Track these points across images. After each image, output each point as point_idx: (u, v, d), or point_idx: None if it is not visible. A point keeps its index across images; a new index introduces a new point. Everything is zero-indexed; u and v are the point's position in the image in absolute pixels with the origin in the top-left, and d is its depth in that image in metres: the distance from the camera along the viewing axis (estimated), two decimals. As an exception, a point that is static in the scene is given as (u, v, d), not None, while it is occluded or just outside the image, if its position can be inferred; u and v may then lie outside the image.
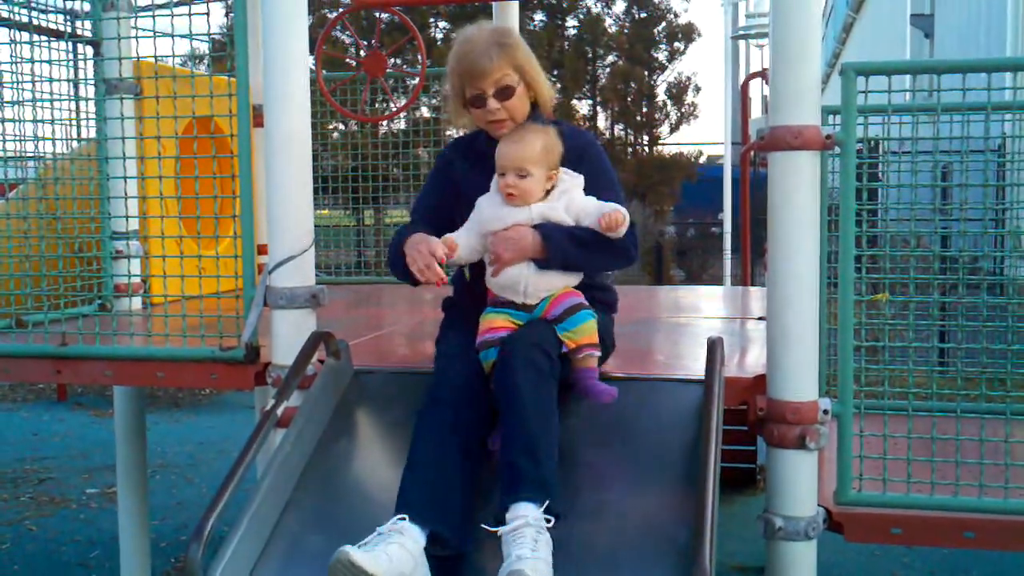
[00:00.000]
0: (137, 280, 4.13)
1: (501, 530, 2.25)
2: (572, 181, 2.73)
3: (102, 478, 6.97)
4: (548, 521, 2.26)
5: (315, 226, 3.19)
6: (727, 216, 13.36)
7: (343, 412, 2.96)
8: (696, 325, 4.21)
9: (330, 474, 2.78)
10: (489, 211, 2.72)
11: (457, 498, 2.41)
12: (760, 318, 4.17)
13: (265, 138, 3.06)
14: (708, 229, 18.52)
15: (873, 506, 2.65)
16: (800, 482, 2.63)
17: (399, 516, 2.31)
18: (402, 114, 7.10)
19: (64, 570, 5.31)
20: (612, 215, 2.61)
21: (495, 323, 2.67)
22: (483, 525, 2.31)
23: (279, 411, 2.70)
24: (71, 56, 4.16)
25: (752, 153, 6.98)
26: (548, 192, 2.71)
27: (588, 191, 2.73)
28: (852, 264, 2.67)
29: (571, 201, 2.68)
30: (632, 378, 2.87)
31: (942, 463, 2.64)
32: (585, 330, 2.63)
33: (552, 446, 2.42)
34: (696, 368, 3.02)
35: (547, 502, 2.29)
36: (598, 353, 2.66)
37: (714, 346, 2.60)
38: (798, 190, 2.65)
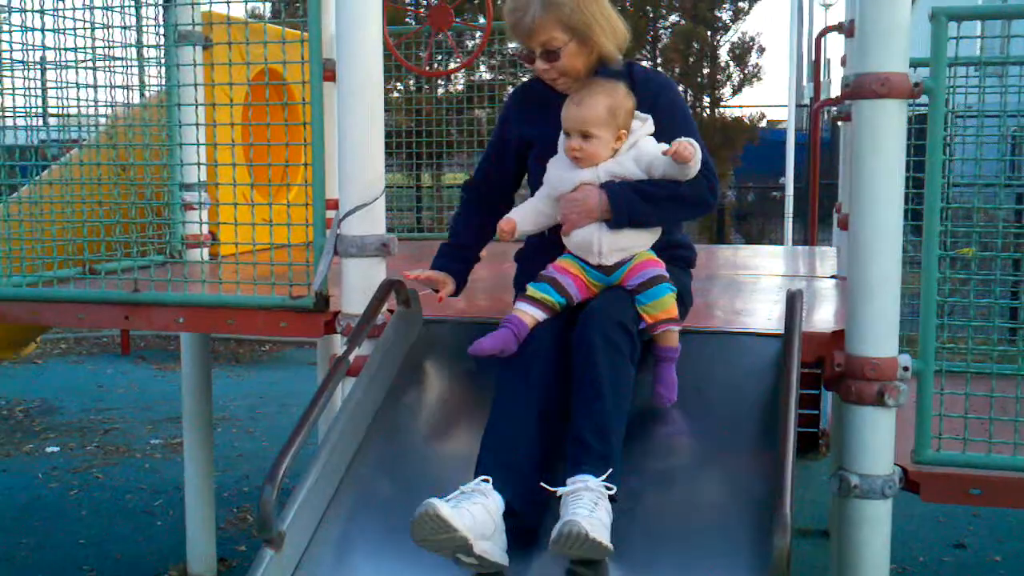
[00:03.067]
0: (206, 231, 4.17)
1: (560, 490, 2.22)
2: (642, 128, 2.61)
3: (165, 429, 7.09)
4: (609, 489, 2.21)
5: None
6: (789, 180, 13.14)
7: (412, 361, 2.95)
8: (765, 282, 4.14)
9: (399, 423, 2.78)
10: (556, 173, 2.65)
11: (534, 470, 2.35)
12: (833, 276, 4.10)
13: (337, 86, 3.03)
14: (768, 194, 18.23)
15: (952, 466, 2.59)
16: (877, 440, 2.58)
17: (482, 478, 2.26)
18: (461, 74, 7.06)
19: (130, 517, 5.41)
20: (678, 145, 2.48)
21: (567, 266, 2.60)
22: (542, 484, 2.26)
23: (350, 358, 2.69)
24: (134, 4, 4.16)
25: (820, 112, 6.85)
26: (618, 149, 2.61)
27: (662, 136, 2.60)
28: (938, 217, 2.59)
29: (640, 152, 2.57)
30: (708, 331, 2.83)
31: (1025, 424, 2.57)
32: (663, 304, 2.52)
33: (622, 427, 2.36)
34: (769, 323, 2.98)
35: (609, 471, 2.24)
36: (677, 328, 2.56)
37: (794, 299, 2.55)
38: (883, 140, 2.58)
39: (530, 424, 2.40)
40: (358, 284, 3.04)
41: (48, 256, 3.62)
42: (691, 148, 2.48)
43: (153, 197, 3.88)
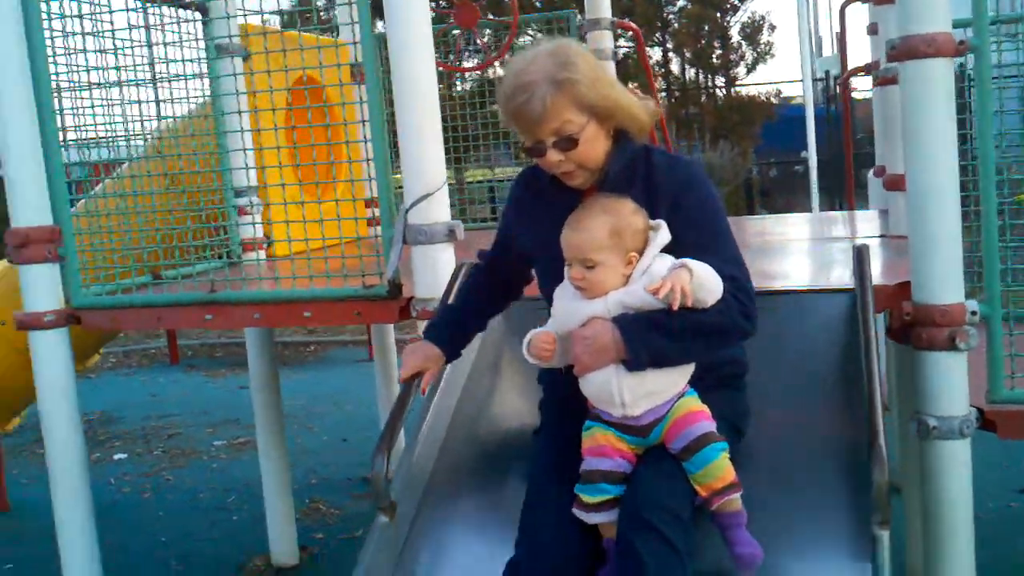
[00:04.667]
0: (261, 234, 4.34)
1: None
2: (654, 241, 2.14)
3: (226, 431, 7.26)
4: None
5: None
6: (812, 151, 13.20)
7: (489, 339, 3.07)
8: (816, 245, 4.24)
9: (482, 400, 2.90)
10: (562, 306, 2.23)
11: None
12: (881, 235, 4.18)
13: (394, 83, 3.14)
14: (790, 168, 18.30)
15: (1026, 403, 2.68)
16: (952, 382, 2.67)
17: None
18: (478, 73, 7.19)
19: (206, 514, 5.59)
20: (667, 281, 2.02)
21: (600, 442, 2.17)
22: None
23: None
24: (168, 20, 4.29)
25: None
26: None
27: (682, 246, 2.15)
28: (993, 166, 2.69)
29: (653, 278, 2.08)
30: (778, 291, 2.93)
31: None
32: (716, 470, 2.09)
33: None
34: (836, 279, 3.08)
35: None
36: (739, 493, 2.13)
37: (861, 253, 2.65)
38: (934, 97, 2.66)
39: None
40: (429, 270, 3.16)
41: (121, 265, 3.77)
42: (681, 284, 2.01)
43: (211, 204, 4.06)
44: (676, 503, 2.05)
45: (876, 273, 3.28)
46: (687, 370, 2.16)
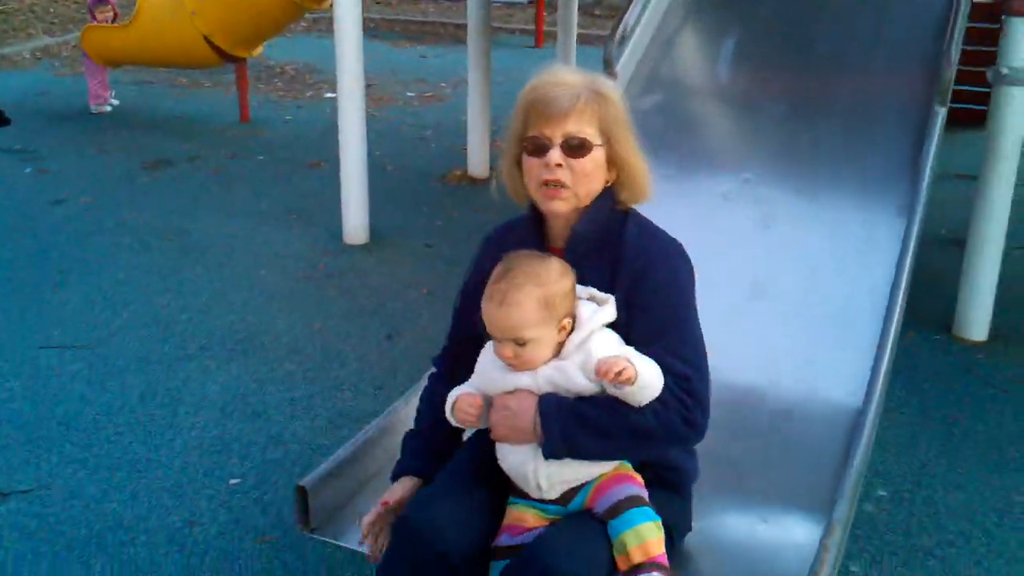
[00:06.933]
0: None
1: None
2: (595, 317, 1.86)
3: (415, 87, 8.53)
4: None
5: None
6: None
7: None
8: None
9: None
10: (487, 366, 1.95)
11: None
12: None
13: None
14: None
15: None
16: (1027, 42, 3.59)
17: None
18: None
19: (408, 142, 6.96)
20: (609, 363, 1.75)
21: (524, 519, 1.90)
22: None
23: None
24: None
25: None
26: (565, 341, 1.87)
27: (635, 329, 1.89)
28: None
29: (589, 358, 1.83)
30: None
31: None
32: (646, 534, 1.81)
33: None
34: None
35: None
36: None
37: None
38: None
39: None
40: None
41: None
42: (623, 368, 1.74)
43: None
44: (592, 560, 1.78)
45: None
46: (614, 462, 1.91)
